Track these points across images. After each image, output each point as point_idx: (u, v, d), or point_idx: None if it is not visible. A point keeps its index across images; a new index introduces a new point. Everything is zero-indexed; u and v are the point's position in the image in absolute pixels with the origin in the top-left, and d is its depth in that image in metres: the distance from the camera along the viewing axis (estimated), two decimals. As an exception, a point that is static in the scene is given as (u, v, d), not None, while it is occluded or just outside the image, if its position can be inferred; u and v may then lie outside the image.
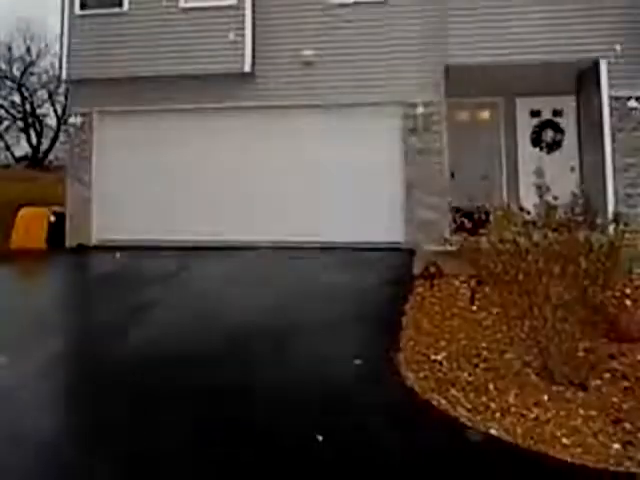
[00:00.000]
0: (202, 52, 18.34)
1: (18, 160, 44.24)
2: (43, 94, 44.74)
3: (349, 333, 10.97)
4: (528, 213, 9.55)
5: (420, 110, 17.74)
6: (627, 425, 7.55)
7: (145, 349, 10.43)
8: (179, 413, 7.90)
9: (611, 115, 16.94)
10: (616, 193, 16.61)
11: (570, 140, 19.83)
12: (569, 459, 6.96)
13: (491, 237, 9.75)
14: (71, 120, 20.06)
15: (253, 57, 18.45)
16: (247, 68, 18.33)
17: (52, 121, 44.77)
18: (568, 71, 18.57)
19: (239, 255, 17.35)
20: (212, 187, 18.88)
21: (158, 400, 8.31)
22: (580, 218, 9.47)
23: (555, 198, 9.32)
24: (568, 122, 19.96)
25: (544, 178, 9.55)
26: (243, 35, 18.26)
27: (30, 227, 19.69)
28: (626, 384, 8.63)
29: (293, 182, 18.37)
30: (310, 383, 8.89)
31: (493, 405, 8.07)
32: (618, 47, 16.89)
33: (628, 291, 11.09)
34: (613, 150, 16.84)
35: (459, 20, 17.59)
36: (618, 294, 10.64)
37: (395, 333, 10.78)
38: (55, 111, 44.59)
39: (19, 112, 44.62)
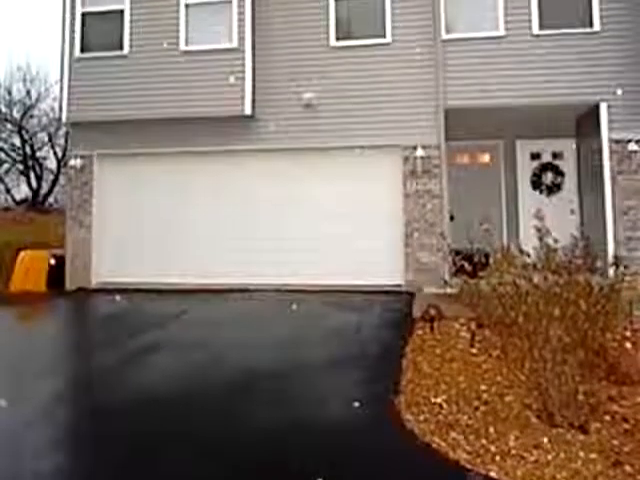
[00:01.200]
0: (203, 95, 18.40)
1: (18, 203, 44.25)
2: (43, 137, 44.76)
3: (348, 375, 10.94)
4: (528, 256, 9.56)
5: (420, 153, 17.80)
6: (627, 468, 7.50)
7: (143, 394, 10.39)
8: (178, 459, 7.87)
9: (611, 158, 17.01)
10: (616, 236, 16.64)
11: (570, 182, 19.91)
12: (570, 502, 6.93)
13: (491, 280, 9.75)
14: (71, 163, 20.14)
15: (253, 100, 18.53)
16: (248, 111, 18.38)
17: (52, 164, 44.85)
18: (568, 114, 18.70)
19: (239, 298, 17.39)
20: (212, 229, 18.94)
21: (157, 449, 8.27)
22: (580, 261, 9.47)
23: (555, 241, 9.33)
24: (568, 165, 20.05)
25: (544, 221, 9.55)
26: (243, 78, 18.34)
27: (30, 270, 19.72)
28: (626, 427, 8.58)
29: (293, 224, 18.44)
30: (308, 425, 8.84)
31: (493, 448, 8.02)
32: (619, 91, 17.00)
33: (628, 334, 11.06)
34: (613, 193, 16.90)
35: (458, 63, 17.78)
36: (618, 337, 10.61)
37: (395, 375, 10.75)
38: (55, 154, 44.64)
39: (19, 155, 44.65)
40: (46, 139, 44.74)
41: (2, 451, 8.33)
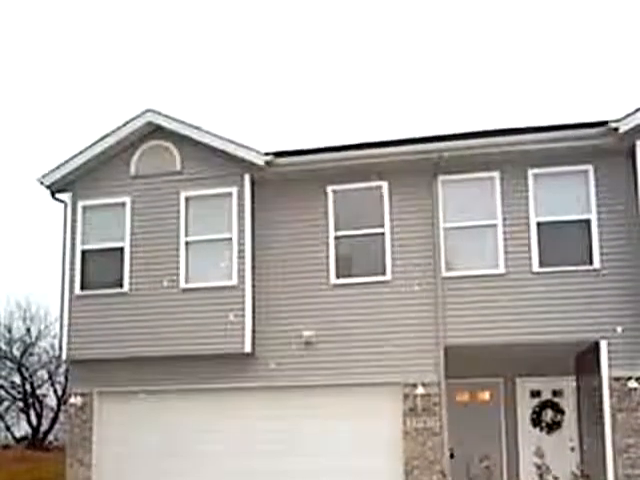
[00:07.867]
0: (202, 332, 18.60)
1: (18, 440, 43.89)
2: (43, 374, 44.70)
3: None
4: (528, 493, 9.60)
5: (420, 391, 17.76)
6: None
7: None
8: None
9: (611, 396, 16.94)
10: (616, 474, 16.41)
11: (570, 420, 19.94)
12: None
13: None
14: (71, 401, 20.03)
15: (253, 337, 18.69)
16: (247, 348, 18.53)
17: (52, 401, 44.62)
18: (568, 351, 18.84)
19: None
20: (211, 465, 18.67)
21: None
22: (580, 499, 9.50)
23: (555, 478, 9.38)
24: (568, 402, 20.13)
25: (544, 458, 9.62)
26: (243, 315, 18.58)
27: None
28: None
29: (294, 461, 18.19)
30: None
31: None
32: (619, 329, 17.09)
33: None
34: (613, 430, 16.77)
35: (458, 300, 17.97)
36: None
37: None
38: (55, 391, 44.53)
39: (19, 392, 44.47)
40: (46, 377, 44.74)
41: None
